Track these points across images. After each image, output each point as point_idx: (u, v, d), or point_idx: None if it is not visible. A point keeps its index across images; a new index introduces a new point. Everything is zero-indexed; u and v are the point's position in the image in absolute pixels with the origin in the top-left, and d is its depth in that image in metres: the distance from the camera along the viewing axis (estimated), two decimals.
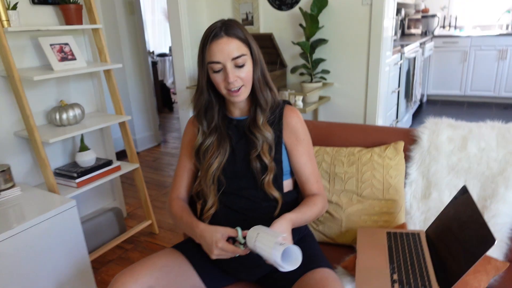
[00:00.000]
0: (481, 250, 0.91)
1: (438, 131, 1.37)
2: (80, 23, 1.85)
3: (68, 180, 1.85)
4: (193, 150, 1.18)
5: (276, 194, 1.10)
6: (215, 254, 0.98)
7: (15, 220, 1.43)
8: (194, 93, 1.14)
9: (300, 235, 1.19)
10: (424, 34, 5.02)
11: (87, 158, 1.91)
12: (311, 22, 2.35)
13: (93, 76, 2.12)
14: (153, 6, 6.55)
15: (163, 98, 5.60)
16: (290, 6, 2.58)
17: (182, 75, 2.86)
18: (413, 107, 4.04)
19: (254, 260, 1.06)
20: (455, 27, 5.22)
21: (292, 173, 1.18)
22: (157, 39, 6.84)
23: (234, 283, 1.18)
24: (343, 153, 1.45)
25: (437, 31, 5.14)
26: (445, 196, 1.32)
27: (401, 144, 1.40)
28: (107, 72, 1.98)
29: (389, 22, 2.44)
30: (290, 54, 2.66)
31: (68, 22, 1.83)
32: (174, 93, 6.45)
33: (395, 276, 1.06)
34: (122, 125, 2.06)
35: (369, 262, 1.13)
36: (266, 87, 1.09)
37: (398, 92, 3.31)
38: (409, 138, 1.42)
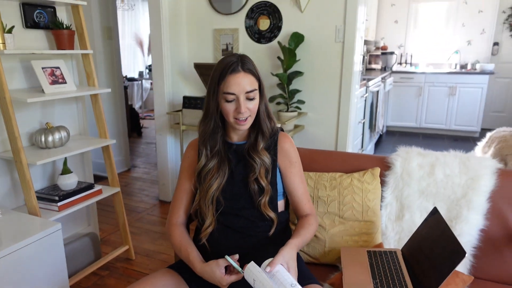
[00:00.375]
0: (454, 262, 1.04)
1: (409, 159, 1.54)
2: (72, 48, 1.89)
3: (49, 203, 1.83)
4: (194, 173, 1.25)
5: (272, 214, 1.19)
6: (226, 285, 1.05)
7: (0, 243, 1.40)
8: (201, 119, 1.21)
9: None
10: (384, 69, 5.43)
11: (69, 181, 1.90)
12: (289, 55, 2.52)
13: (78, 100, 2.14)
14: (124, 31, 6.59)
15: (131, 123, 5.57)
16: (269, 40, 2.76)
17: (162, 101, 2.92)
18: (376, 137, 4.32)
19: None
20: (411, 64, 5.70)
21: (284, 195, 1.28)
22: (127, 63, 6.84)
23: None
24: (325, 178, 1.57)
25: (395, 67, 5.58)
26: (416, 218, 1.47)
27: (377, 170, 1.55)
28: (94, 96, 2.02)
29: (358, 58, 2.68)
30: (267, 84, 2.80)
31: (60, 47, 1.86)
32: (142, 118, 6.43)
33: None
34: (105, 148, 2.08)
35: (354, 278, 1.24)
36: (268, 117, 1.20)
37: (364, 123, 3.55)
38: (383, 165, 1.58)
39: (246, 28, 2.82)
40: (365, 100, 3.52)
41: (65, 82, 1.86)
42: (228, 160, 1.22)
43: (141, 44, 6.95)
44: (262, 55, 2.81)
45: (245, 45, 2.85)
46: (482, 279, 1.37)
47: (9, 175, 1.82)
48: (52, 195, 1.84)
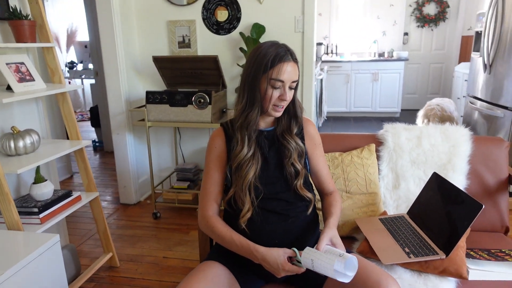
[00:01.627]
0: (473, 215, 1.21)
1: (397, 134, 1.71)
2: (34, 40, 1.68)
3: (28, 216, 1.62)
4: (224, 162, 1.24)
5: (309, 194, 1.24)
6: (282, 275, 1.07)
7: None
8: (242, 107, 1.19)
9: (316, 236, 1.33)
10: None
11: (46, 190, 1.70)
12: (253, 45, 2.56)
13: (38, 99, 1.91)
14: None
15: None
16: (228, 31, 2.76)
17: (118, 99, 2.74)
18: (321, 122, 4.59)
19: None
20: (337, 54, 6.13)
21: None
22: None
23: (266, 285, 1.26)
24: (327, 157, 1.66)
25: (324, 57, 5.95)
26: (411, 185, 1.65)
27: (373, 146, 1.69)
28: (61, 95, 1.82)
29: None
30: (229, 75, 2.81)
31: (20, 40, 1.64)
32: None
33: (407, 249, 1.30)
34: (79, 151, 1.90)
35: (381, 243, 1.36)
36: (298, 104, 1.25)
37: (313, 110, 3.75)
38: (376, 141, 1.72)
39: (204, 19, 2.77)
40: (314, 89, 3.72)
41: (33, 79, 1.65)
42: (260, 146, 1.23)
43: (57, 40, 6.30)
44: (222, 47, 2.80)
45: (203, 37, 2.81)
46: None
47: None
48: (28, 207, 1.64)
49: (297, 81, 1.17)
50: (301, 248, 1.17)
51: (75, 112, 6.87)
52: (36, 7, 1.74)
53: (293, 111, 1.24)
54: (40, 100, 1.93)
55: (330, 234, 1.12)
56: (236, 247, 1.15)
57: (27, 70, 1.63)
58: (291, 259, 1.09)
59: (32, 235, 1.43)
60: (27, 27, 1.65)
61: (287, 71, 1.12)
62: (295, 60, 1.15)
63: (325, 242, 1.08)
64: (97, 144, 4.56)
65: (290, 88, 1.16)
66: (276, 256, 1.07)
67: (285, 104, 1.17)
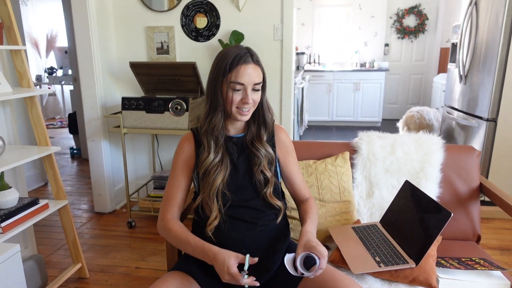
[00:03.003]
0: (442, 223, 1.21)
1: (372, 142, 1.70)
2: (1, 43, 1.63)
3: None
4: (191, 168, 1.21)
5: (278, 203, 1.21)
6: (226, 279, 1.03)
7: None
8: (206, 112, 1.17)
9: (286, 245, 1.31)
10: (297, 68, 5.79)
11: (10, 198, 1.63)
12: None
13: (5, 104, 1.84)
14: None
15: None
16: (207, 38, 2.74)
17: (93, 105, 2.68)
18: (302, 131, 4.60)
19: (255, 268, 1.15)
20: (319, 63, 6.19)
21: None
22: None
23: None
24: (300, 165, 1.65)
25: (306, 67, 6.00)
26: (384, 193, 1.64)
27: (347, 154, 1.68)
28: (30, 99, 1.76)
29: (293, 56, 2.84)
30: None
31: None
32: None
33: (377, 258, 1.28)
34: (47, 157, 1.84)
35: (352, 252, 1.34)
36: (267, 109, 1.22)
37: (293, 119, 3.75)
38: (350, 149, 1.72)
39: (182, 26, 2.75)
40: (294, 97, 3.73)
41: None
42: (229, 153, 1.20)
43: (36, 45, 6.18)
44: (201, 54, 2.78)
45: (182, 44, 2.79)
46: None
47: None
48: None
49: (260, 83, 1.14)
50: (269, 257, 1.15)
51: (54, 118, 6.74)
52: (4, 9, 1.69)
53: (262, 116, 1.21)
54: (7, 105, 1.87)
55: (304, 241, 1.09)
56: (191, 247, 1.11)
57: None
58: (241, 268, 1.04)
59: None
60: None
61: (247, 74, 1.10)
62: (256, 62, 1.13)
63: (299, 251, 1.07)
64: (74, 151, 4.45)
65: (254, 90, 1.14)
66: (226, 257, 1.03)
67: (250, 107, 1.15)
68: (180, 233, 1.15)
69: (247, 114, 1.15)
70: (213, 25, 2.72)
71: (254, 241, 1.17)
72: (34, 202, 1.74)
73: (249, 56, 1.12)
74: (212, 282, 1.18)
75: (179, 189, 1.22)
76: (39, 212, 1.74)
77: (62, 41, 6.26)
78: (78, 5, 2.53)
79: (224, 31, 2.71)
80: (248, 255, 1.04)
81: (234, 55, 1.10)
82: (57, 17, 6.02)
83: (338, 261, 1.34)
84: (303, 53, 5.73)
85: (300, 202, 1.32)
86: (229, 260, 1.02)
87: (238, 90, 1.12)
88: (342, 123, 5.96)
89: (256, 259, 1.05)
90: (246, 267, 1.02)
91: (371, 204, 1.65)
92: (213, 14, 2.70)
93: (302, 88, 4.17)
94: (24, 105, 2.87)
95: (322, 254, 1.03)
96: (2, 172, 1.65)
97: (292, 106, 2.76)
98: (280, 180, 1.32)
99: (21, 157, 1.67)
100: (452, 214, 1.19)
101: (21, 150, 1.78)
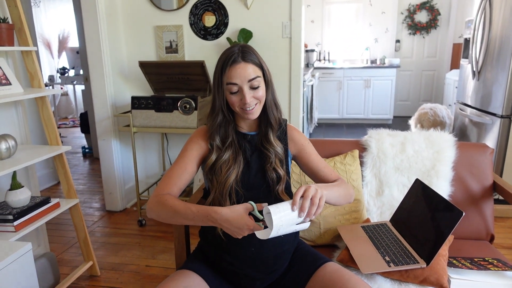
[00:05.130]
0: (453, 223, 1.19)
1: (381, 139, 1.68)
2: (12, 44, 1.65)
3: (2, 224, 1.58)
4: (200, 160, 1.21)
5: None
6: (245, 234, 0.98)
7: None
8: (208, 113, 1.18)
9: (295, 244, 1.29)
10: (307, 66, 5.76)
11: (22, 197, 1.66)
12: None
13: (17, 104, 1.87)
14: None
15: None
16: (215, 36, 2.74)
17: (104, 104, 2.71)
18: (312, 129, 4.57)
19: (264, 268, 1.14)
20: (329, 60, 6.14)
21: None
22: None
23: None
24: None
25: (316, 64, 5.95)
26: (394, 192, 1.62)
27: (356, 152, 1.66)
28: (40, 99, 1.79)
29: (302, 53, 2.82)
30: None
31: None
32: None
33: (387, 258, 1.26)
34: (58, 157, 1.86)
35: (361, 251, 1.32)
36: (275, 106, 1.21)
37: (303, 116, 3.73)
38: (359, 147, 1.70)
39: (191, 24, 2.75)
40: (303, 95, 3.71)
41: (10, 83, 1.62)
42: (243, 150, 1.20)
43: (48, 46, 6.27)
44: (210, 52, 2.78)
45: (191, 42, 2.79)
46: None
47: None
48: (3, 214, 1.60)
49: (256, 77, 1.11)
50: (278, 256, 1.14)
51: (67, 118, 6.83)
52: (15, 10, 1.72)
53: (266, 115, 1.20)
54: (19, 105, 1.89)
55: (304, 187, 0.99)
56: (193, 214, 1.03)
57: (3, 74, 1.60)
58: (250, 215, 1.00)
59: (2, 243, 1.38)
60: (4, 30, 1.62)
61: (237, 74, 1.09)
62: (247, 60, 1.10)
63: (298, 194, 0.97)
64: (86, 150, 4.51)
65: (253, 88, 1.12)
66: (240, 213, 0.98)
67: (252, 105, 1.13)
68: (177, 203, 1.08)
69: (252, 112, 1.14)
70: (222, 23, 2.71)
71: (262, 241, 1.16)
72: (46, 201, 1.76)
73: (239, 55, 1.10)
74: (220, 281, 1.18)
75: (185, 171, 1.18)
76: (51, 210, 1.77)
77: (74, 42, 6.33)
78: (88, 5, 2.56)
79: (232, 29, 2.70)
80: (254, 205, 0.99)
81: (225, 57, 1.11)
82: (69, 18, 6.10)
83: (347, 261, 1.33)
84: (312, 50, 5.69)
85: None
86: (245, 217, 0.97)
87: (235, 92, 1.11)
88: (353, 120, 5.91)
89: (264, 204, 1.00)
90: (256, 213, 0.98)
91: (381, 202, 1.63)
92: (221, 12, 2.70)
93: (312, 86, 4.14)
94: (36, 105, 2.92)
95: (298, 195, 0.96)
96: (15, 172, 1.68)
97: (301, 103, 2.74)
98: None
99: (33, 156, 1.69)
100: (463, 213, 1.17)
101: (32, 149, 1.81)
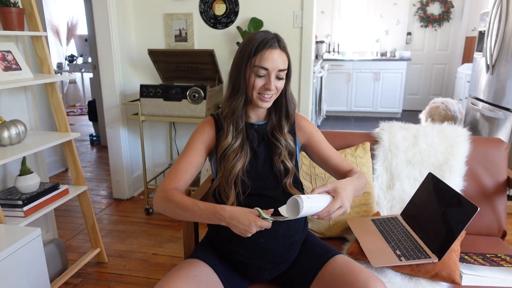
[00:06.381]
0: (467, 218, 1.16)
1: (393, 132, 1.65)
2: (22, 29, 1.64)
3: (12, 209, 1.58)
4: (207, 149, 1.20)
5: (298, 194, 1.19)
6: (253, 232, 0.98)
7: None
8: (227, 95, 1.16)
9: (304, 235, 1.28)
10: (316, 57, 5.70)
11: (32, 183, 1.66)
12: None
13: (27, 89, 1.87)
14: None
15: None
16: (225, 25, 2.71)
17: (112, 92, 2.70)
18: (320, 121, 4.54)
19: (273, 258, 1.13)
20: (338, 52, 6.07)
21: None
22: None
23: (251, 285, 1.22)
24: None
25: (325, 56, 5.89)
26: (405, 185, 1.60)
27: (367, 145, 1.64)
28: (50, 85, 1.78)
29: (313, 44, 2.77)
30: (226, 70, 2.75)
31: (7, 27, 1.60)
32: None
33: (398, 252, 1.25)
34: (67, 143, 1.86)
35: (371, 244, 1.31)
36: (291, 99, 1.19)
37: (312, 108, 3.70)
38: (371, 139, 1.67)
39: (201, 12, 2.72)
40: (312, 86, 3.67)
41: (20, 69, 1.61)
42: (250, 140, 1.18)
43: (57, 33, 6.26)
44: (219, 41, 2.75)
45: (200, 31, 2.76)
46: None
47: None
48: (13, 199, 1.60)
49: (285, 70, 1.11)
50: (287, 248, 1.13)
51: (74, 106, 6.85)
52: None
53: (285, 106, 1.19)
54: (29, 91, 1.89)
55: (329, 186, 1.03)
56: (200, 211, 1.04)
57: (14, 59, 1.59)
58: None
59: (12, 228, 1.39)
60: (15, 15, 1.60)
61: (272, 59, 1.07)
62: (282, 48, 1.10)
63: (320, 189, 1.02)
64: (94, 138, 4.52)
65: (278, 78, 1.11)
66: (246, 212, 0.99)
67: (272, 94, 1.12)
68: (185, 200, 1.08)
69: (268, 100, 1.13)
70: (232, 12, 2.68)
71: (271, 231, 1.15)
72: (55, 187, 1.77)
73: (276, 41, 1.09)
74: (229, 271, 1.18)
75: (191, 165, 1.17)
76: (60, 197, 1.77)
77: (82, 29, 6.32)
78: None
79: (243, 18, 2.67)
80: (259, 209, 1.00)
81: (261, 39, 1.08)
82: (78, 5, 6.08)
83: (357, 254, 1.31)
84: (322, 42, 5.62)
85: (344, 176, 1.21)
86: (252, 215, 0.98)
87: (261, 76, 1.09)
88: (361, 113, 5.85)
89: (271, 210, 1.02)
90: (263, 216, 0.98)
91: (392, 196, 1.61)
92: (231, 1, 2.66)
93: (321, 78, 4.10)
94: (45, 91, 2.92)
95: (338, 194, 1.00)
96: (24, 157, 1.68)
97: (311, 95, 2.71)
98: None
99: (42, 142, 1.69)
100: (478, 209, 1.14)
101: (42, 135, 1.81)
